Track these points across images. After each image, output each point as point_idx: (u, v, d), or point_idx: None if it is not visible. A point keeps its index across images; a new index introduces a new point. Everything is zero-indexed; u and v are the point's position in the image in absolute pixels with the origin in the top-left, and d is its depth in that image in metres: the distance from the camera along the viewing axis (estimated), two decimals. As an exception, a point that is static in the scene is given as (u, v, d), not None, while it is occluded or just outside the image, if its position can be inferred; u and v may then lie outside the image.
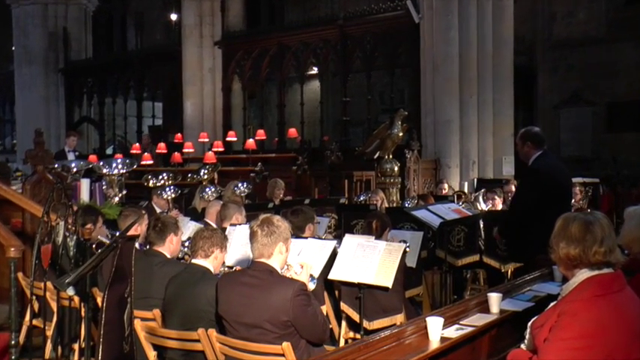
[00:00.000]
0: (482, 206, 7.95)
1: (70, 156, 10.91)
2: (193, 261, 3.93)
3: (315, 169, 11.49)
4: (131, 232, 3.79)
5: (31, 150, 6.37)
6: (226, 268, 4.40)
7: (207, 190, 7.58)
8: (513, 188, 8.38)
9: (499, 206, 8.03)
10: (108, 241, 4.47)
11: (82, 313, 3.68)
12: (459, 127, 11.65)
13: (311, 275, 3.64)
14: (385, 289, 4.28)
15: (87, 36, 18.64)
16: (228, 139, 14.51)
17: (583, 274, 2.62)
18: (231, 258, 4.74)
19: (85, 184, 6.82)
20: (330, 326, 4.48)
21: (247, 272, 3.47)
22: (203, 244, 3.88)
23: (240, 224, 5.24)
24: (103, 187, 7.17)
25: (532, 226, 5.06)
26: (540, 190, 5.16)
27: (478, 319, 3.27)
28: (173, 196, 7.10)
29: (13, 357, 3.78)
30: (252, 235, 3.39)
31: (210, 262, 3.89)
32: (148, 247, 4.44)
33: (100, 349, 3.33)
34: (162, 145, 14.53)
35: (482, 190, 8.59)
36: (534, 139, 5.38)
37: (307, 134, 15.17)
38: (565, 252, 2.63)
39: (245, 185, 7.95)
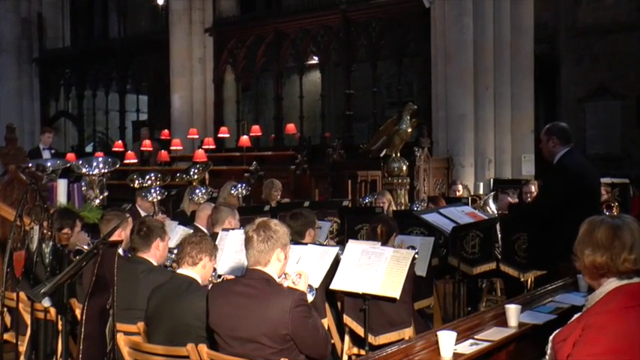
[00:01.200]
0: (493, 210, 7.92)
1: (46, 154, 10.92)
2: (179, 271, 3.92)
3: (315, 168, 11.50)
4: (113, 238, 3.80)
5: (2, 147, 6.37)
6: (217, 277, 4.40)
7: (198, 191, 7.59)
8: (534, 189, 8.37)
9: None
10: (88, 248, 4.49)
11: (59, 327, 3.68)
12: (474, 122, 11.65)
13: (309, 286, 3.65)
14: (392, 300, 4.28)
15: (64, 22, 18.65)
16: (220, 135, 14.53)
17: (611, 284, 2.62)
18: (223, 266, 4.75)
19: (62, 185, 6.82)
20: (332, 341, 4.48)
21: (241, 281, 3.48)
22: (191, 250, 3.88)
23: (233, 229, 5.25)
24: (82, 189, 7.18)
25: (556, 229, 5.05)
26: (568, 189, 5.16)
27: (495, 333, 3.27)
28: (159, 197, 7.12)
29: (-17, 374, 3.79)
30: (248, 241, 3.40)
31: (197, 272, 3.89)
32: (131, 253, 4.44)
33: (79, 366, 3.33)
34: (147, 142, 14.54)
35: (492, 193, 8.55)
36: (561, 134, 5.38)
37: (307, 130, 15.17)
38: (591, 260, 2.63)
39: (243, 186, 7.98)
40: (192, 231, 5.26)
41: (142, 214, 6.89)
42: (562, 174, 5.30)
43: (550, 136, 5.39)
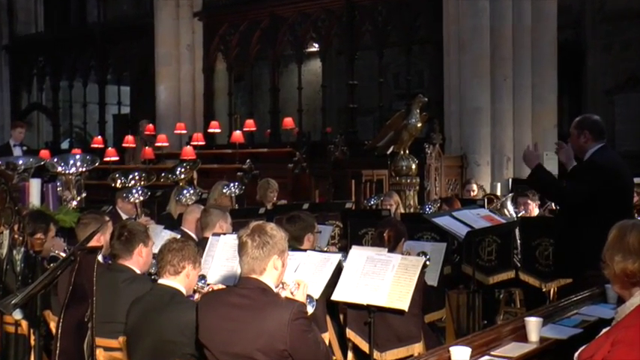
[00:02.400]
0: (512, 213, 7.92)
1: (17, 151, 10.94)
2: (160, 281, 3.90)
3: (315, 167, 11.51)
4: (92, 243, 3.80)
5: (-31, 144, 6.39)
6: (204, 285, 4.38)
7: (185, 192, 7.59)
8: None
9: (534, 212, 8.01)
10: (64, 254, 4.48)
11: (32, 342, 3.68)
12: (490, 116, 11.66)
13: (309, 296, 3.64)
14: (400, 312, 4.29)
15: (37, 5, 18.69)
16: (210, 130, 14.53)
17: (643, 294, 2.63)
18: (213, 275, 4.75)
19: (35, 185, 6.83)
20: (334, 358, 4.48)
21: (235, 291, 3.48)
22: (172, 259, 3.86)
23: (224, 233, 5.25)
24: (58, 189, 7.18)
25: (583, 234, 5.03)
26: (597, 189, 5.12)
27: (513, 349, 3.27)
28: (141, 199, 7.12)
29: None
30: (242, 247, 3.39)
31: (180, 282, 3.87)
32: (112, 260, 4.44)
33: (54, 385, 3.33)
34: (129, 138, 14.54)
35: (511, 194, 8.54)
36: (593, 129, 5.33)
37: (306, 125, 15.18)
38: (621, 267, 2.63)
39: (236, 185, 7.98)
40: (179, 236, 5.26)
41: (124, 217, 6.89)
42: (594, 172, 5.24)
43: (582, 130, 5.33)
